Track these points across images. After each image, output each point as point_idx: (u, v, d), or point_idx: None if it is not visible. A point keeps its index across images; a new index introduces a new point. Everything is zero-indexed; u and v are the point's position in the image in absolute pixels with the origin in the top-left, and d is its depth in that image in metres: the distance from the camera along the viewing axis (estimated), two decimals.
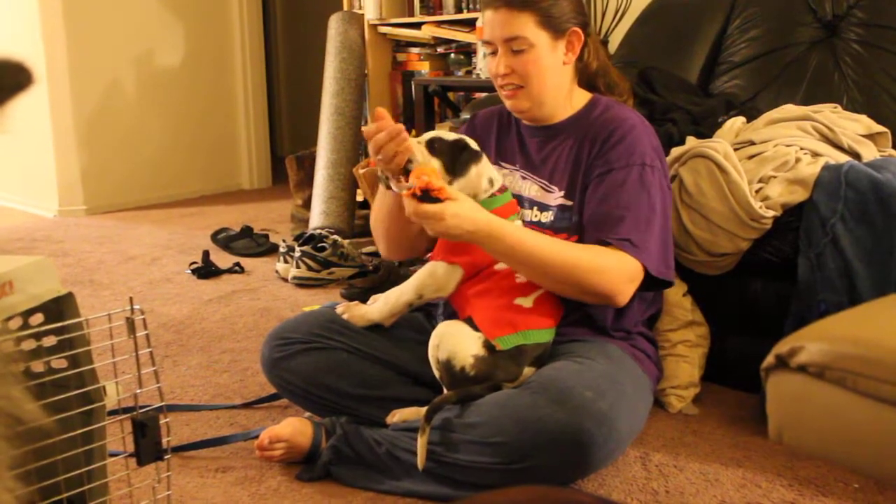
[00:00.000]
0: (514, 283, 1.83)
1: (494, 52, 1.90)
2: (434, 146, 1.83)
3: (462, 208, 1.70)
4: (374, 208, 2.06)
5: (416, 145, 1.80)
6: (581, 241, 1.85)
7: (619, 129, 1.87)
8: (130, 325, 1.44)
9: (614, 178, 1.83)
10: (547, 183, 1.94)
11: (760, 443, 1.98)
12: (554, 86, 1.91)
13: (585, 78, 2.01)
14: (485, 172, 1.85)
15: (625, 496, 1.77)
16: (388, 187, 1.90)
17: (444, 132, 1.88)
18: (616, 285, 1.77)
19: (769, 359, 1.89)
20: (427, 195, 1.67)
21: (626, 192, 1.82)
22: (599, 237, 1.80)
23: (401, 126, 1.79)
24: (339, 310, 1.99)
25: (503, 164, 2.03)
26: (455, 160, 1.83)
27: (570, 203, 1.90)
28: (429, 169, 1.73)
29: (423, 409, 1.74)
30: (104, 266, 3.79)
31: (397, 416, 1.87)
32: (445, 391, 1.79)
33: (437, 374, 1.80)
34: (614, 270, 1.77)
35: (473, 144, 1.87)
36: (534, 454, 1.62)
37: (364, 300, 2.02)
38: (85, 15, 4.93)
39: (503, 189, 1.89)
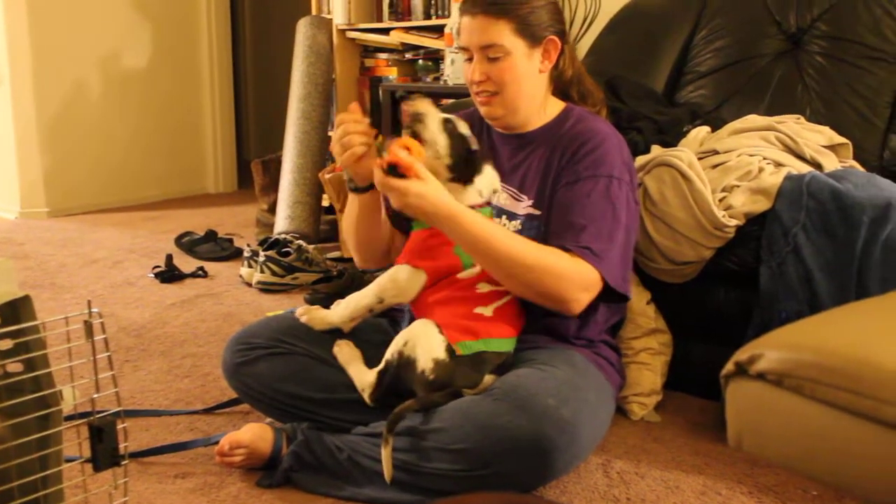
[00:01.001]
0: (475, 292, 1.82)
1: (470, 59, 1.89)
2: (447, 127, 1.82)
3: (427, 189, 1.70)
4: (344, 217, 2.06)
5: (432, 113, 1.81)
6: None
7: (590, 140, 1.88)
8: (88, 329, 1.42)
9: (581, 188, 1.84)
10: (516, 191, 1.94)
11: (721, 450, 1.99)
12: (529, 93, 1.91)
13: (560, 86, 2.01)
14: (485, 185, 1.85)
15: (586, 503, 1.77)
16: (354, 189, 1.89)
17: (462, 125, 1.86)
18: (571, 292, 1.77)
19: (728, 366, 1.89)
20: (395, 170, 1.68)
21: (591, 203, 1.82)
22: (560, 244, 1.80)
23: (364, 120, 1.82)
24: (298, 313, 1.98)
25: None
26: (465, 160, 1.82)
27: (538, 212, 1.90)
28: (412, 142, 1.74)
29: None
30: (66, 269, 3.75)
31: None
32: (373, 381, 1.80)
33: (389, 356, 1.78)
34: (571, 276, 1.77)
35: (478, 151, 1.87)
36: (496, 461, 1.62)
37: (328, 306, 2.00)
38: (49, 14, 4.88)
39: (485, 204, 1.88)
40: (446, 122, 1.82)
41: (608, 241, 1.80)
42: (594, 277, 1.78)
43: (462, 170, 1.82)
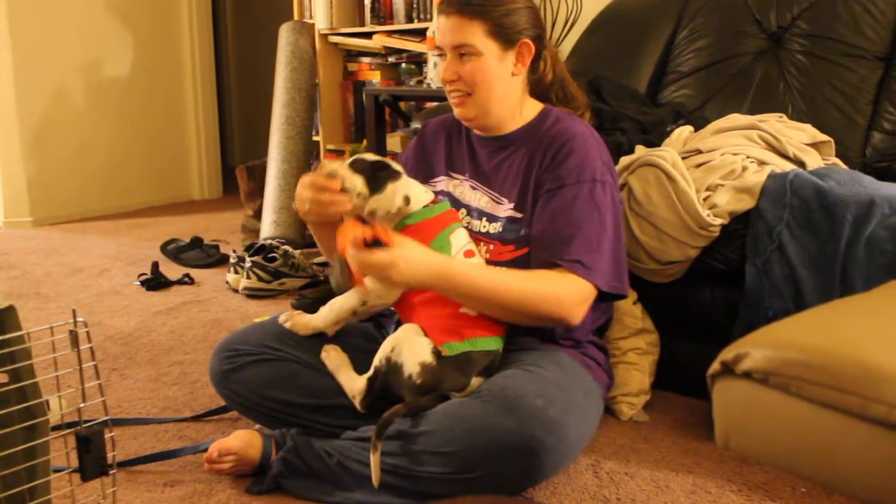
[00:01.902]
0: None
1: (444, 56, 1.90)
2: (356, 165, 1.82)
3: (413, 252, 1.70)
4: (318, 243, 2.07)
5: (341, 166, 1.81)
6: (530, 257, 1.86)
7: (569, 142, 1.88)
8: (73, 338, 1.41)
9: (564, 195, 1.84)
10: (497, 194, 1.94)
11: (710, 449, 2.00)
12: (501, 95, 1.91)
13: (540, 91, 2.02)
14: (400, 190, 1.83)
15: None
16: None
17: (369, 155, 1.88)
18: (568, 308, 1.79)
19: (715, 365, 1.90)
20: (376, 243, 1.66)
21: (576, 210, 1.83)
22: (550, 259, 1.81)
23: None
24: (281, 319, 1.97)
25: (453, 174, 2.03)
26: (374, 177, 1.82)
27: (519, 215, 1.90)
28: (357, 226, 1.73)
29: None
30: (51, 278, 3.73)
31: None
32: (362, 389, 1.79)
33: (377, 362, 1.78)
34: (566, 295, 1.78)
35: (396, 166, 1.87)
36: (485, 463, 1.62)
37: (314, 311, 2.00)
38: (30, 22, 4.86)
39: (436, 200, 1.89)
40: (353, 164, 1.84)
41: (597, 249, 1.82)
42: (588, 289, 1.81)
43: (379, 186, 1.82)
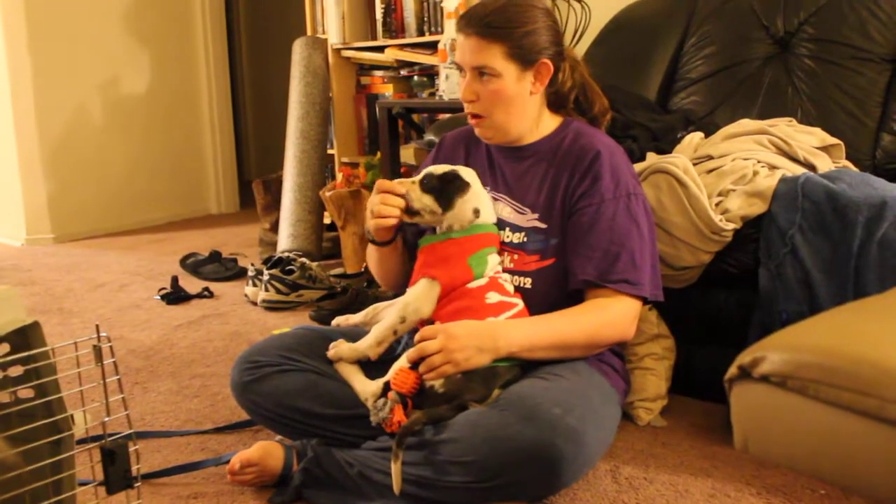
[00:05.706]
0: (484, 303, 1.84)
1: (463, 73, 1.93)
2: (425, 183, 1.89)
3: (455, 331, 1.74)
4: (367, 258, 2.14)
5: (411, 185, 1.88)
6: (556, 268, 1.89)
7: (598, 157, 1.89)
8: (97, 353, 1.43)
9: (604, 212, 1.86)
10: (519, 205, 1.95)
11: (728, 453, 2.00)
12: (518, 114, 1.93)
13: (560, 97, 2.02)
14: (470, 202, 1.89)
15: None
16: (373, 242, 2.00)
17: (439, 167, 1.93)
18: (624, 328, 1.87)
19: (732, 369, 1.91)
20: (416, 366, 1.75)
21: (617, 227, 1.86)
22: (598, 278, 1.84)
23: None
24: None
25: None
26: (442, 193, 1.88)
27: (543, 226, 1.92)
28: (410, 374, 1.78)
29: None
30: (72, 294, 3.77)
31: (333, 350, 1.95)
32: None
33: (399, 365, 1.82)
34: (622, 319, 1.86)
35: (466, 175, 1.91)
36: (504, 472, 1.62)
37: (330, 322, 2.03)
38: (50, 42, 4.91)
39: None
40: (423, 182, 1.90)
41: (641, 263, 1.86)
42: (637, 305, 1.88)
43: (449, 203, 1.89)
